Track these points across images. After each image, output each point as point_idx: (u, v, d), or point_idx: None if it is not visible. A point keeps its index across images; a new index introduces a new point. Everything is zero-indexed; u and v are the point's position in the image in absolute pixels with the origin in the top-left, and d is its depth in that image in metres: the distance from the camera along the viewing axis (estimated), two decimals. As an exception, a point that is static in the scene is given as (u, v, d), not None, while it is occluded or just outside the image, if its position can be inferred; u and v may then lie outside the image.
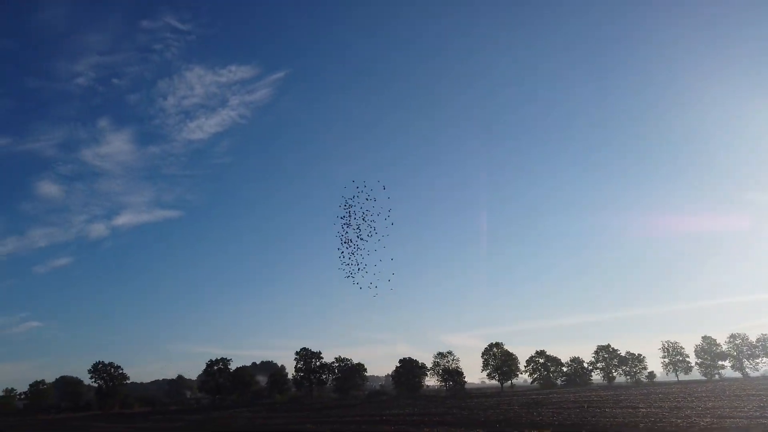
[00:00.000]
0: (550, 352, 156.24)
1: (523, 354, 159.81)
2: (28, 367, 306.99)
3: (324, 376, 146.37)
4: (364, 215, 39.55)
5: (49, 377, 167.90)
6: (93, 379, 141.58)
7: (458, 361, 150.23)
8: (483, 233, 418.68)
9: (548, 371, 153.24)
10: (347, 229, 39.90)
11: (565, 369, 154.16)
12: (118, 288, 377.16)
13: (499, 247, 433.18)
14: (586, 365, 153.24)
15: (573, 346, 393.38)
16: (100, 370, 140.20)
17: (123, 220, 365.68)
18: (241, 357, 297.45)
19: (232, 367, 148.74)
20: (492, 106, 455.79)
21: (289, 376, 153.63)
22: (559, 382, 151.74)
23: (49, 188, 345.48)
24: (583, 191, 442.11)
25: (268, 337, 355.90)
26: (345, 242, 39.98)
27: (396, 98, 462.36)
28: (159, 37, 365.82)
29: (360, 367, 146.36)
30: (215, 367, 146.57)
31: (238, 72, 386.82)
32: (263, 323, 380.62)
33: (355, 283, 39.94)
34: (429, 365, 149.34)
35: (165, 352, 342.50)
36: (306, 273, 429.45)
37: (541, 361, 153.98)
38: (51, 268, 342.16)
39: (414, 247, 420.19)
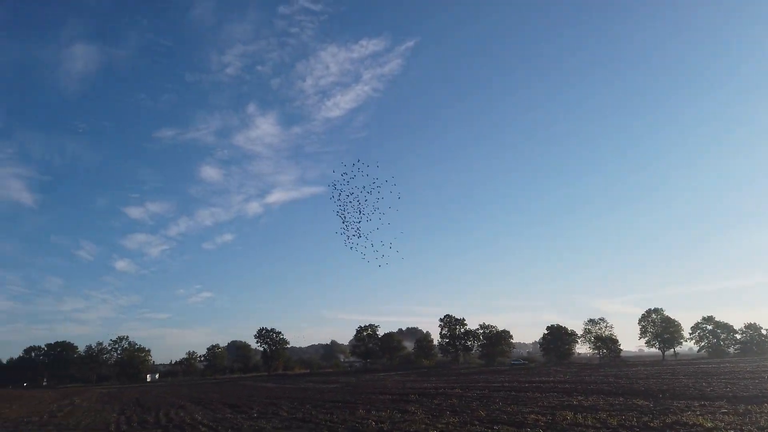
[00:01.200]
0: (720, 317, 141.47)
1: (687, 320, 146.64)
2: (205, 333, 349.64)
3: (469, 343, 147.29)
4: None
5: (223, 342, 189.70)
6: (258, 343, 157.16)
7: (611, 328, 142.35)
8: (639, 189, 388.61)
9: (718, 338, 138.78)
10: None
11: (738, 336, 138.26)
12: (273, 260, 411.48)
13: (657, 199, 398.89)
14: (764, 332, 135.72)
15: (748, 311, 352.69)
16: (263, 335, 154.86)
17: (274, 198, 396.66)
18: (387, 323, 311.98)
19: (380, 333, 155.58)
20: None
21: (435, 342, 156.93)
22: (731, 350, 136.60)
23: (210, 172, 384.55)
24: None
25: (412, 304, 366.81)
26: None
27: (529, 64, 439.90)
28: (295, 21, 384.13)
29: (506, 334, 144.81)
30: (364, 333, 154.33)
31: (369, 45, 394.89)
32: (408, 291, 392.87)
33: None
34: (579, 333, 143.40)
35: (318, 318, 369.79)
36: (444, 242, 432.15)
37: (709, 327, 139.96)
38: (217, 244, 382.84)
39: (564, 208, 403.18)
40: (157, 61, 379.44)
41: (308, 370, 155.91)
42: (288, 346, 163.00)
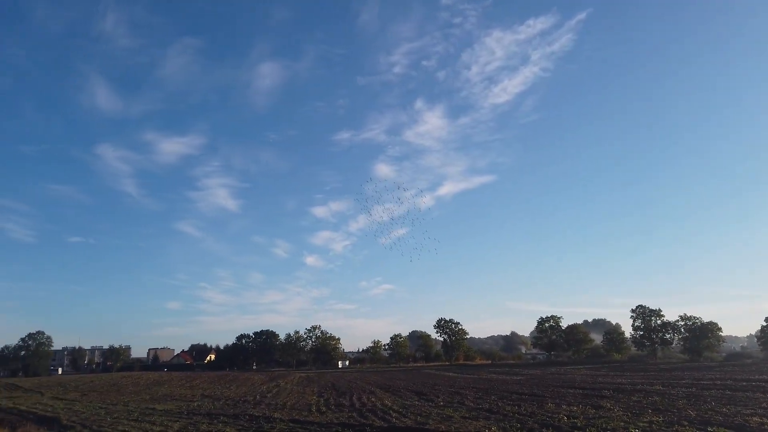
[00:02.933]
0: None
1: None
2: (388, 323, 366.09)
3: (668, 336, 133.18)
4: None
5: (404, 331, 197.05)
6: (438, 333, 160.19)
7: None
8: None
9: None
10: None
11: None
12: (447, 252, 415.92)
13: None
14: None
15: None
16: (443, 325, 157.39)
17: (444, 190, 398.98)
18: (570, 314, 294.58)
19: (563, 324, 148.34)
20: None
21: (626, 335, 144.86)
22: None
23: (384, 170, 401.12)
24: None
25: (596, 295, 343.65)
26: None
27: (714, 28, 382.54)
28: (457, 11, 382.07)
29: (713, 326, 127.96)
30: (546, 324, 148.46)
31: (536, 24, 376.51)
32: (592, 280, 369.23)
33: None
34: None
35: (497, 309, 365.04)
36: (632, 225, 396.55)
37: None
38: (393, 238, 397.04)
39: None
40: (332, 70, 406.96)
41: (489, 361, 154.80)
42: (467, 336, 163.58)
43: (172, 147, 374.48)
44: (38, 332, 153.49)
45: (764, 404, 26.22)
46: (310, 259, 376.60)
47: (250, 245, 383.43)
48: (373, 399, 40.48)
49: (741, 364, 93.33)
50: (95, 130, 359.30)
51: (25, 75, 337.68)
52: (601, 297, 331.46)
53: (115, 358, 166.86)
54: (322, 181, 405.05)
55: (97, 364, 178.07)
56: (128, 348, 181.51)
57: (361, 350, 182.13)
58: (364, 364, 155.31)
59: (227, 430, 24.38)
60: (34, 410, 38.33)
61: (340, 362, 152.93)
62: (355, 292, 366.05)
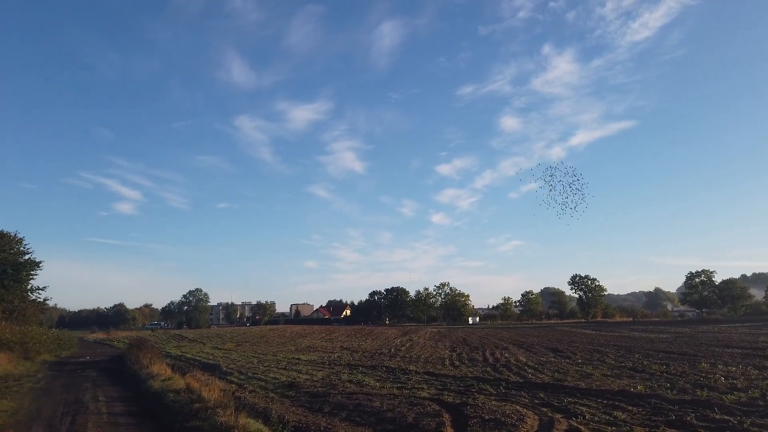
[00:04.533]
0: None
1: None
2: (518, 280, 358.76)
3: None
4: None
5: (536, 288, 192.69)
6: (573, 290, 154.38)
7: None
8: None
9: None
10: None
11: None
12: (588, 203, 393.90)
13: None
14: None
15: None
16: (578, 282, 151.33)
17: (578, 140, 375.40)
18: (726, 269, 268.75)
19: (717, 279, 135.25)
20: None
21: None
22: None
23: (509, 123, 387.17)
24: None
25: (757, 246, 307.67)
26: None
27: None
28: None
29: None
30: (696, 280, 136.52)
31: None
32: (751, 229, 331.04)
33: None
34: None
35: (639, 264, 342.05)
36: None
37: None
38: (521, 193, 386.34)
39: None
40: (452, 22, 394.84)
41: (631, 319, 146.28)
42: (605, 293, 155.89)
43: (301, 114, 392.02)
44: (197, 289, 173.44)
45: None
46: (436, 218, 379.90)
47: (377, 205, 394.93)
48: (506, 354, 40.11)
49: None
50: (233, 103, 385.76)
51: (171, 56, 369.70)
52: (762, 249, 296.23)
53: (262, 313, 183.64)
54: (446, 138, 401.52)
55: (247, 318, 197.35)
56: (273, 303, 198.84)
57: (491, 307, 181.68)
58: (494, 321, 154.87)
59: (366, 379, 25.51)
60: (199, 357, 43.21)
61: (470, 318, 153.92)
62: (483, 248, 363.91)
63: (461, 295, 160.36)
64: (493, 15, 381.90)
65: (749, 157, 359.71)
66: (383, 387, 22.50)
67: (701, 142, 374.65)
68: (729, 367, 25.98)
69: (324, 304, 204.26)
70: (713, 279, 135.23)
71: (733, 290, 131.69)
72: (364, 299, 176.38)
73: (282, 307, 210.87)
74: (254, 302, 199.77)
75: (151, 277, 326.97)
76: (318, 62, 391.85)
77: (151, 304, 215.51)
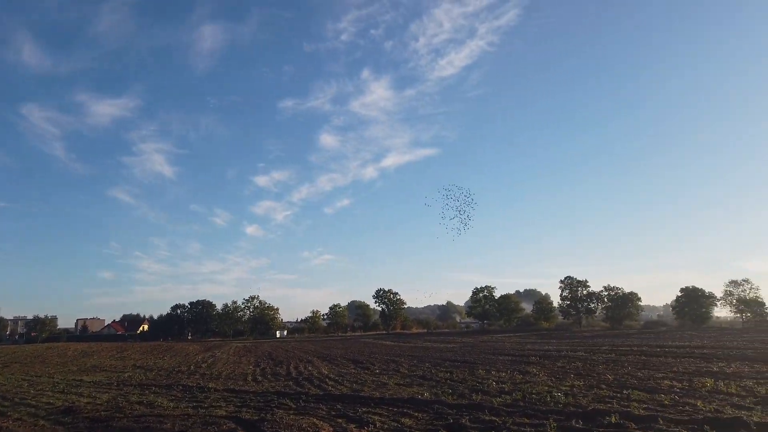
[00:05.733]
0: None
1: None
2: (327, 293, 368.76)
3: (592, 305, 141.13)
4: None
5: (343, 301, 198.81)
6: (377, 303, 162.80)
7: (758, 290, 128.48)
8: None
9: None
10: None
11: None
12: (389, 223, 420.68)
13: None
14: None
15: None
16: (381, 296, 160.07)
17: (389, 162, 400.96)
18: (504, 285, 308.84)
19: (497, 294, 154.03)
20: None
21: (555, 305, 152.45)
22: None
23: (328, 139, 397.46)
24: None
25: (529, 266, 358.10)
26: None
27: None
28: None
29: (633, 296, 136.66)
30: (480, 294, 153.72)
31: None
32: (525, 253, 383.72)
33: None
34: (718, 295, 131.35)
35: (435, 279, 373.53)
36: (566, 200, 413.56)
37: None
38: (336, 209, 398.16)
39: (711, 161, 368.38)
40: (278, 34, 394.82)
41: (425, 330, 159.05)
42: (405, 306, 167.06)
43: (104, 109, 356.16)
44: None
45: (675, 369, 28.36)
46: (250, 229, 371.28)
47: (187, 214, 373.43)
48: (310, 368, 40.78)
49: (656, 332, 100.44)
50: (21, 88, 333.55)
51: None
52: (534, 268, 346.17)
53: (40, 329, 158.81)
54: (265, 150, 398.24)
55: (20, 335, 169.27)
56: (54, 318, 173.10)
57: (299, 320, 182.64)
58: (302, 334, 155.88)
59: (159, 400, 23.91)
60: (-52, 384, 36.16)
61: (278, 332, 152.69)
62: (297, 262, 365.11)
63: (270, 308, 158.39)
64: (318, 34, 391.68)
65: (524, 190, 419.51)
66: (177, 407, 21.32)
67: (489, 172, 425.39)
68: (500, 373, 29.85)
69: (118, 319, 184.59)
70: (494, 294, 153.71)
71: (509, 304, 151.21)
72: (165, 313, 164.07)
73: (66, 323, 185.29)
74: (30, 317, 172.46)
75: None
76: (128, 55, 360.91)
77: None
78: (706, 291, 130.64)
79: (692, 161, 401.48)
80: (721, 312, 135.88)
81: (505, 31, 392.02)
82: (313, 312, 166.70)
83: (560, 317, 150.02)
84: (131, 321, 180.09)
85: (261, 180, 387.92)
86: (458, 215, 44.21)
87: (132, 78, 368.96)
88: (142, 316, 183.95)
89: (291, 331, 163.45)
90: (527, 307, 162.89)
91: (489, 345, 66.12)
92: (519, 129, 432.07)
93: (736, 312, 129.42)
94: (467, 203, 44.60)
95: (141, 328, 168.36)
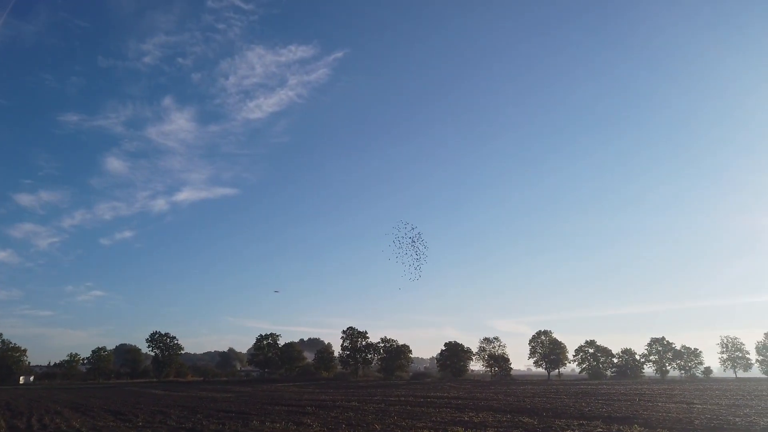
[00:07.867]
0: (601, 342, 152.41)
1: (572, 343, 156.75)
2: (92, 334, 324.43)
3: (369, 356, 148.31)
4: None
5: (110, 344, 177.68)
6: (150, 348, 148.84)
7: (504, 347, 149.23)
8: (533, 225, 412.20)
9: (597, 362, 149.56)
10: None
11: (615, 360, 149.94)
12: (176, 261, 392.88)
13: (551, 236, 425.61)
14: (638, 357, 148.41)
15: (624, 337, 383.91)
16: (156, 339, 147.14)
17: (183, 196, 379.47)
18: (289, 333, 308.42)
19: (281, 342, 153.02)
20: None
21: (336, 354, 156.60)
22: (608, 373, 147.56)
23: (115, 164, 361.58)
24: (645, 184, 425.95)
25: (315, 315, 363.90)
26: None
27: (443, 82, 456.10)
28: (223, 17, 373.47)
29: (405, 349, 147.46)
30: (264, 342, 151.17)
31: (298, 51, 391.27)
32: (312, 302, 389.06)
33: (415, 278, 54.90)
34: (474, 350, 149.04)
35: (217, 325, 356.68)
36: (354, 254, 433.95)
37: (591, 350, 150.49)
38: (115, 240, 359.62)
39: (466, 234, 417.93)
40: (69, 42, 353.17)
41: (202, 378, 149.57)
42: (182, 352, 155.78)
43: None
44: None
45: (434, 418, 31.39)
46: (2, 254, 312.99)
47: None
48: (57, 420, 35.43)
49: (422, 383, 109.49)
50: None
51: None
52: (319, 317, 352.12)
53: None
54: (35, 165, 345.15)
55: None
56: None
57: (53, 364, 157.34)
58: (54, 381, 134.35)
59: None
60: None
61: (22, 378, 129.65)
62: (58, 296, 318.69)
63: (16, 349, 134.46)
64: (117, 50, 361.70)
65: (346, 239, 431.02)
66: None
67: (288, 217, 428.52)
68: (275, 424, 29.64)
69: None
70: (278, 342, 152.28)
71: (292, 353, 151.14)
72: None
73: None
74: None
75: None
76: None
77: None
78: (465, 346, 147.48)
79: (460, 238, 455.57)
80: (476, 365, 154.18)
81: (315, 87, 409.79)
82: (70, 355, 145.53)
83: (339, 367, 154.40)
84: None
85: (24, 198, 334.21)
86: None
87: None
88: None
89: (40, 377, 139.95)
90: (309, 356, 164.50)
91: (268, 394, 65.03)
92: (318, 181, 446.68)
93: (486, 366, 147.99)
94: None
95: None
